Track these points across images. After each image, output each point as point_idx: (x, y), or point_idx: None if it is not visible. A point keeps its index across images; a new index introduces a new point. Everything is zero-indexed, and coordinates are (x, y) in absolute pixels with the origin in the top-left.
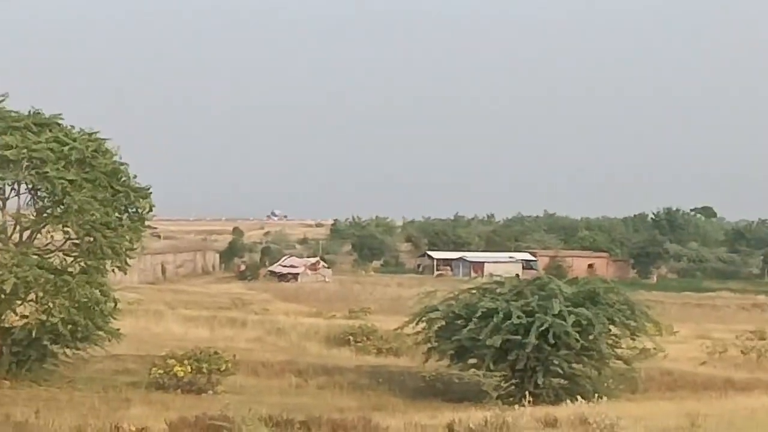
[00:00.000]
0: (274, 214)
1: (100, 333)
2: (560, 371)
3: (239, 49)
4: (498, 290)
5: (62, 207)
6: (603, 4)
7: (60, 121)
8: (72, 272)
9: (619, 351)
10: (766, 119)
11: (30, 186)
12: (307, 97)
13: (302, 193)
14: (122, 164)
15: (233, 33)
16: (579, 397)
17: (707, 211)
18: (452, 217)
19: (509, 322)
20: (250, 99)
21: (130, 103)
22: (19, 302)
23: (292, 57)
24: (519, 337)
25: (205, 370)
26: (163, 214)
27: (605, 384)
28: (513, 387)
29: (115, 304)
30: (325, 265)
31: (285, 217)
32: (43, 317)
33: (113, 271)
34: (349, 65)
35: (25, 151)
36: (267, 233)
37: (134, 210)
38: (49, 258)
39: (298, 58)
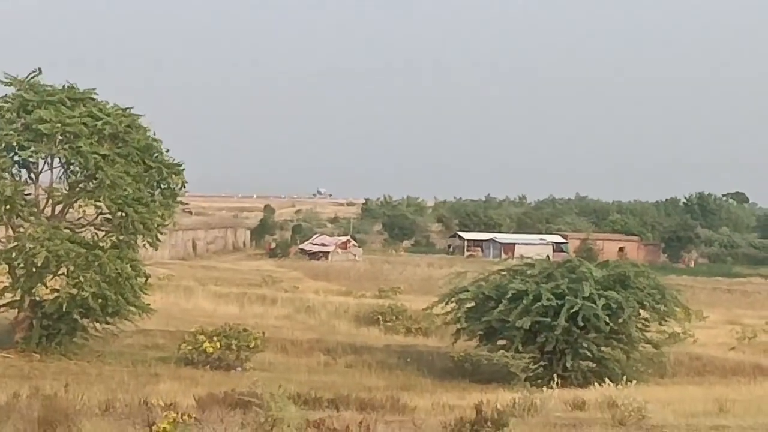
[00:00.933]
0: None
1: (131, 308)
2: (589, 354)
3: (272, 25)
4: (528, 272)
5: (95, 182)
6: None
7: (94, 96)
8: (103, 247)
9: (648, 335)
10: None
11: (63, 160)
12: (338, 78)
13: (336, 172)
14: (155, 140)
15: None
16: (607, 381)
17: (739, 197)
18: (483, 198)
19: (539, 304)
20: (282, 78)
21: (165, 78)
22: (50, 276)
23: (328, 32)
24: (548, 320)
25: (234, 347)
26: (194, 190)
27: (634, 368)
28: (541, 369)
29: (146, 280)
30: (356, 244)
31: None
32: (74, 291)
33: (144, 246)
34: (389, 42)
35: (59, 125)
36: (298, 211)
37: (166, 186)
38: (81, 232)
39: (336, 32)
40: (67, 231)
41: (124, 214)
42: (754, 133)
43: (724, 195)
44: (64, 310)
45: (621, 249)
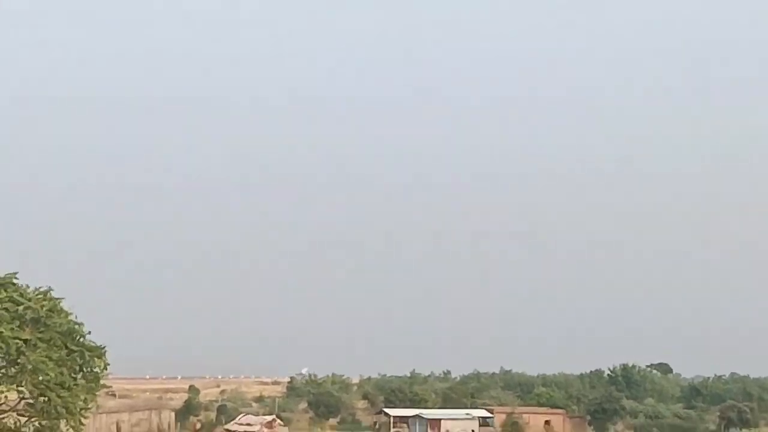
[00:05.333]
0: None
1: None
2: None
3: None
4: None
5: (17, 367)
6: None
7: (14, 281)
8: None
9: None
10: (718, 275)
11: None
12: (259, 251)
13: (258, 350)
14: (77, 323)
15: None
16: None
17: (663, 368)
18: (408, 374)
19: None
20: (202, 257)
21: (85, 260)
22: None
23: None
24: None
25: None
26: (118, 372)
27: None
28: None
29: None
30: (281, 422)
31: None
32: None
33: (68, 430)
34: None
35: None
36: (223, 391)
37: (89, 369)
38: (3, 418)
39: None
40: None
41: (46, 399)
42: (676, 304)
43: (648, 366)
44: None
45: (547, 422)
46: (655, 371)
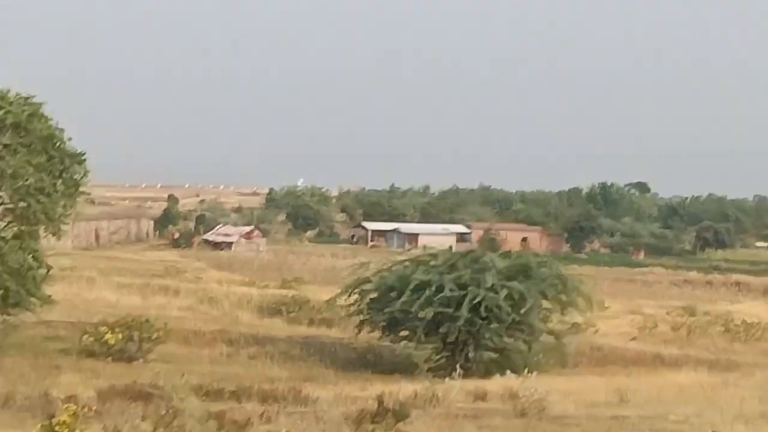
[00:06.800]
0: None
1: (32, 299)
2: (491, 345)
3: (175, 15)
4: (431, 262)
5: None
6: None
7: None
8: (5, 237)
9: (550, 325)
10: (701, 96)
11: None
12: (244, 63)
13: (239, 161)
14: (58, 129)
15: None
16: (509, 371)
17: (641, 187)
18: (387, 188)
19: (442, 294)
20: (189, 67)
21: (68, 64)
22: None
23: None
24: (451, 310)
25: (136, 338)
26: (98, 179)
27: (535, 358)
28: (444, 360)
29: (48, 271)
30: (260, 234)
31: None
32: None
33: (47, 236)
34: (279, 34)
35: None
36: (202, 201)
37: (69, 176)
38: None
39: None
40: None
41: (26, 204)
42: (655, 122)
43: (626, 185)
44: None
45: (524, 239)
46: (633, 190)
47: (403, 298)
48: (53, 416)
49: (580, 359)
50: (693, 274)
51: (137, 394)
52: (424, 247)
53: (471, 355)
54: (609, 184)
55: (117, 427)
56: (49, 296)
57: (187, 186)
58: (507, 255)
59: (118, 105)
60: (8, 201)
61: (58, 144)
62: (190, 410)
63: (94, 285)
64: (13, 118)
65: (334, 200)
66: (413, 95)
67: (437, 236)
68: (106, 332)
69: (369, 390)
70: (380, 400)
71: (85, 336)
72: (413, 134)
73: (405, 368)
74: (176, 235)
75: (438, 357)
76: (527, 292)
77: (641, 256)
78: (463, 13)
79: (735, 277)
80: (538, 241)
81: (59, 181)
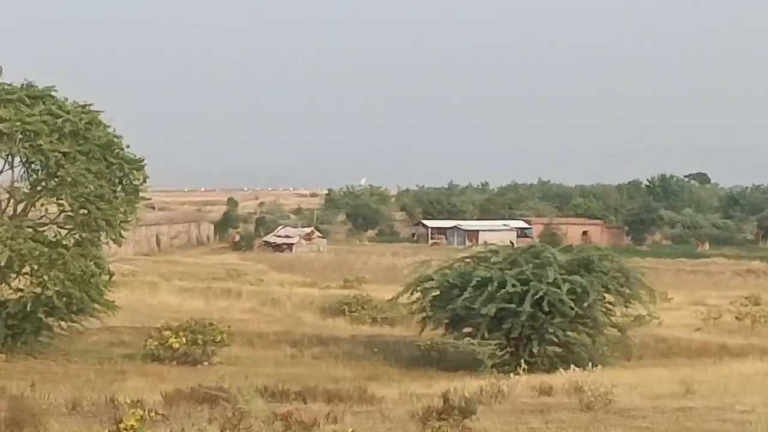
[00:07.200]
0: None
1: (96, 305)
2: (555, 339)
3: (228, 20)
4: (492, 259)
5: (56, 180)
6: None
7: (53, 93)
8: (66, 245)
9: (613, 318)
10: (760, 86)
11: (24, 159)
12: (298, 64)
13: (296, 163)
14: (116, 136)
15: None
16: (573, 365)
17: (701, 177)
18: (446, 186)
19: (504, 290)
20: (244, 71)
21: (125, 71)
22: (14, 275)
23: (279, 32)
24: (514, 306)
25: (200, 342)
26: (157, 185)
27: (600, 351)
28: (508, 355)
29: (110, 276)
30: (320, 234)
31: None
32: (38, 290)
33: (108, 243)
34: (338, 33)
35: (18, 123)
36: (261, 204)
37: (128, 182)
38: (44, 231)
39: (285, 32)
40: (30, 230)
41: (86, 212)
42: (715, 113)
43: (686, 176)
44: (28, 309)
45: (584, 233)
46: (693, 181)
47: (465, 295)
48: (120, 421)
49: (644, 351)
50: (756, 264)
51: (203, 397)
52: (485, 243)
53: (535, 350)
54: (668, 175)
55: (184, 430)
56: (113, 302)
57: (246, 189)
58: (568, 249)
59: (174, 110)
60: (69, 208)
61: (116, 151)
62: (255, 412)
63: (156, 290)
64: (72, 126)
65: (393, 199)
66: (469, 94)
67: (497, 232)
68: (170, 336)
69: (434, 387)
70: (445, 397)
71: (150, 341)
72: (471, 131)
73: (469, 365)
74: (236, 238)
75: (502, 353)
76: (589, 286)
77: (707, 247)
78: (521, 16)
79: None
80: (598, 234)
81: (119, 188)
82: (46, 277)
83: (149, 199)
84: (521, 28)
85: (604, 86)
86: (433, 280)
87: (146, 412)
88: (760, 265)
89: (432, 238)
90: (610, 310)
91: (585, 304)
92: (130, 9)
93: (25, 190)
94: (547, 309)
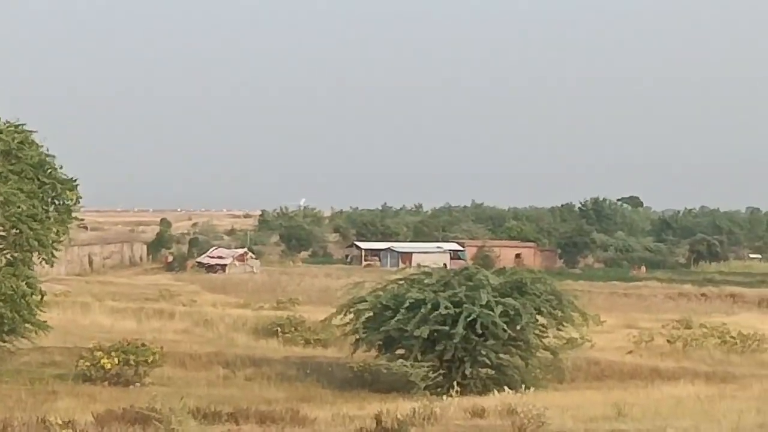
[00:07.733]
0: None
1: (27, 325)
2: (488, 361)
3: (161, 39)
4: (426, 281)
5: None
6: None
7: None
8: None
9: (546, 341)
10: (691, 109)
11: None
12: (234, 84)
13: (230, 184)
14: (49, 156)
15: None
16: (506, 387)
17: (634, 201)
18: (380, 207)
19: (437, 312)
20: (174, 89)
21: (57, 89)
22: None
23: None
24: (447, 328)
25: (132, 362)
26: (89, 204)
27: (532, 374)
28: (441, 377)
29: (42, 297)
30: (253, 256)
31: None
32: None
33: (40, 263)
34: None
35: None
36: (195, 224)
37: (61, 202)
38: None
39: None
40: None
41: (18, 231)
42: (646, 137)
43: (618, 200)
44: None
45: (518, 255)
46: (625, 204)
47: (399, 317)
48: None
49: (576, 374)
50: (687, 287)
51: (135, 418)
52: (418, 265)
53: (468, 372)
54: (601, 198)
55: None
56: (44, 322)
57: (179, 210)
58: (501, 272)
59: (108, 130)
60: (0, 228)
61: (49, 170)
62: None
63: (88, 310)
64: (4, 145)
65: (326, 221)
66: (403, 114)
67: (431, 254)
68: (102, 357)
69: (367, 409)
70: (378, 418)
71: (81, 361)
72: (404, 153)
73: (402, 387)
74: (170, 259)
75: (435, 375)
76: (522, 309)
77: (643, 270)
78: (445, 40)
79: (729, 289)
80: (531, 257)
81: (51, 208)
82: None
83: (82, 219)
84: (449, 50)
85: (537, 109)
86: (366, 301)
87: None
88: (691, 289)
89: (365, 260)
90: (543, 332)
91: (518, 327)
92: (68, 26)
93: None
94: (480, 331)
